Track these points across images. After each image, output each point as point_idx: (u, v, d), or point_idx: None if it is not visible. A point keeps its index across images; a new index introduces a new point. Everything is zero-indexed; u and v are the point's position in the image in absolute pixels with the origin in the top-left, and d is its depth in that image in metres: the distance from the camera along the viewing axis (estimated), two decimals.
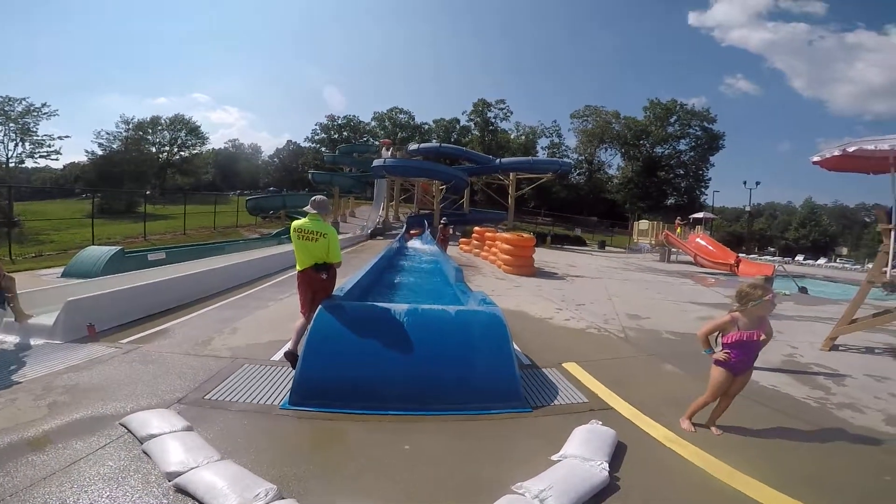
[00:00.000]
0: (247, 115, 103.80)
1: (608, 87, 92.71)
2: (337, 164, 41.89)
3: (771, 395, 4.01)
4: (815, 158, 6.06)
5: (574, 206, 52.92)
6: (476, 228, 18.21)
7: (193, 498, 2.18)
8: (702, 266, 17.67)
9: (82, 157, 47.14)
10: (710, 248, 18.97)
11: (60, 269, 10.00)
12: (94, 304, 5.48)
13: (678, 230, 21.96)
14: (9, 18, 71.85)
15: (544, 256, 17.91)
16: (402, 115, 63.89)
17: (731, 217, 55.94)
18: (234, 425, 3.03)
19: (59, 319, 5.01)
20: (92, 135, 52.38)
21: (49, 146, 39.05)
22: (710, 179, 56.77)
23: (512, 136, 58.58)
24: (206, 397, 3.46)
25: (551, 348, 5.13)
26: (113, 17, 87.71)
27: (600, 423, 2.97)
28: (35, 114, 37.92)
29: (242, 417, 3.15)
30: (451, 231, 19.03)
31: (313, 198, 4.29)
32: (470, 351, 3.54)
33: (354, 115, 65.34)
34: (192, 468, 2.33)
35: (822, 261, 33.57)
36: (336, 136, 62.41)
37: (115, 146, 45.37)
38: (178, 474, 2.30)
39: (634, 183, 54.63)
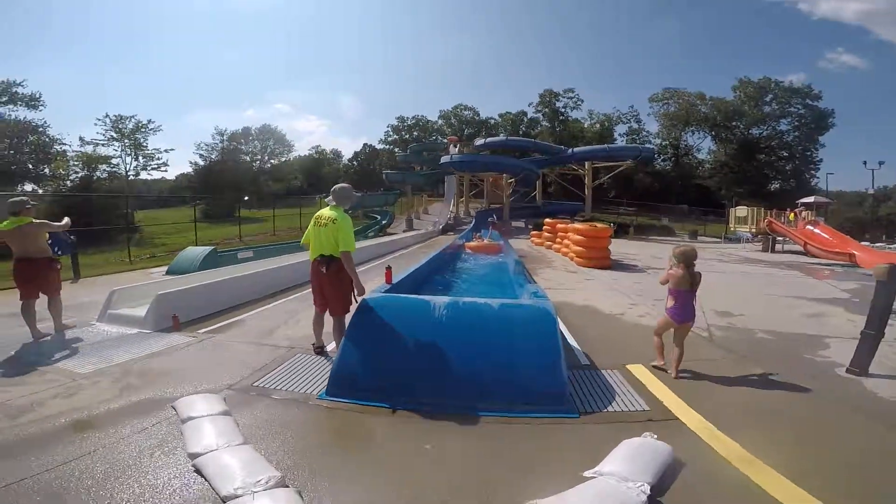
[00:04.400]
0: (326, 122, 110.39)
1: (686, 70, 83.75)
2: (409, 163, 42.93)
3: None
4: None
5: (660, 194, 48.72)
6: (547, 220, 17.46)
7: (204, 478, 2.26)
8: (814, 256, 15.22)
9: (188, 168, 53.54)
10: (825, 235, 16.27)
11: (166, 268, 11.35)
12: (180, 297, 6.02)
13: (791, 217, 19.19)
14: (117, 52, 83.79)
15: (625, 248, 16.69)
16: (466, 112, 63.70)
17: (852, 202, 47.92)
18: (270, 412, 3.11)
19: (150, 311, 5.57)
20: (193, 146, 59.19)
21: (158, 159, 43.97)
22: (820, 161, 49.57)
23: (585, 125, 55.47)
24: (255, 384, 3.60)
25: (617, 348, 4.64)
26: (200, 44, 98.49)
27: (654, 435, 2.53)
28: (143, 130, 43.02)
29: (279, 405, 3.23)
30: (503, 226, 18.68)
31: (333, 187, 4.14)
32: (511, 348, 3.26)
33: (422, 115, 66.40)
34: (211, 450, 2.43)
35: None
36: (407, 136, 63.96)
37: (213, 156, 50.79)
38: (199, 455, 2.41)
39: (729, 167, 49.08)
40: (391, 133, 66.97)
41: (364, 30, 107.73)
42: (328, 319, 4.18)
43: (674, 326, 3.85)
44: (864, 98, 72.66)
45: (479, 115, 63.52)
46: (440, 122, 64.75)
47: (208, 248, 11.54)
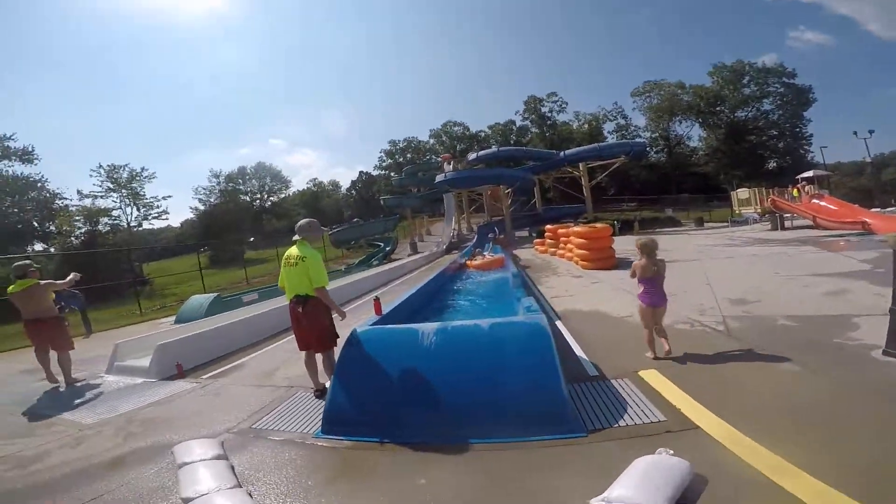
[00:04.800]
0: (321, 153, 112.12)
1: (661, 60, 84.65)
2: (405, 186, 43.13)
3: None
4: None
5: (659, 186, 48.62)
6: (547, 227, 17.23)
7: None
8: (825, 229, 14.84)
9: (189, 214, 54.16)
10: (833, 207, 15.92)
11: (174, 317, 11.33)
12: (181, 346, 6.11)
13: (795, 193, 18.84)
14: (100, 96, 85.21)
15: (631, 245, 16.28)
16: (456, 128, 64.46)
17: (852, 171, 47.46)
18: (266, 454, 3.09)
19: (153, 361, 5.70)
20: (191, 191, 60.25)
21: (157, 207, 43.85)
22: (811, 136, 50.00)
23: (574, 127, 55.82)
24: (254, 426, 3.59)
25: (627, 353, 4.39)
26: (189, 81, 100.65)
27: (670, 452, 2.29)
28: (138, 178, 43.09)
29: (276, 446, 3.20)
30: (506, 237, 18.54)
31: (299, 223, 4.09)
32: (504, 369, 3.09)
33: (414, 136, 67.22)
34: (202, 494, 2.45)
35: None
36: (400, 158, 64.68)
37: (212, 199, 51.19)
38: (191, 500, 2.43)
39: (723, 151, 49.25)
40: (385, 158, 67.77)
41: (350, 57, 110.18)
42: (320, 358, 4.06)
43: (652, 311, 4.14)
44: (837, 70, 73.01)
45: (469, 129, 64.41)
46: (432, 140, 65.60)
47: (213, 295, 11.60)
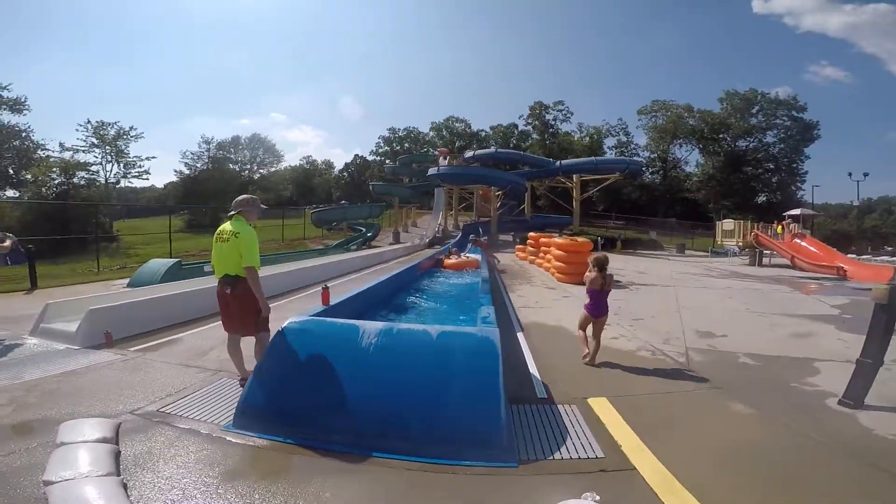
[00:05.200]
0: (321, 133, 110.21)
1: (674, 82, 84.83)
2: (397, 175, 42.62)
3: None
4: None
5: (649, 207, 48.86)
6: (531, 234, 17.09)
7: None
8: (802, 269, 14.99)
9: (174, 177, 52.81)
10: (813, 248, 16.09)
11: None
12: (115, 313, 5.63)
13: (779, 230, 19.03)
14: (113, 54, 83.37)
15: (611, 263, 16.33)
16: (458, 124, 63.88)
17: (837, 214, 48.40)
18: (164, 441, 2.80)
19: (80, 327, 5.20)
20: (178, 154, 58.74)
21: (139, 167, 43.80)
22: (805, 173, 49.93)
23: (575, 138, 55.79)
24: (163, 409, 3.29)
25: (581, 375, 4.18)
26: (197, 50, 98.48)
27: (596, 498, 2.05)
28: (125, 137, 42.97)
29: (178, 434, 2.91)
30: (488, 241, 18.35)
31: (236, 198, 3.78)
32: (445, 382, 2.79)
33: (414, 127, 66.49)
34: (66, 479, 2.23)
35: None
36: (398, 147, 63.93)
37: (199, 165, 50.21)
38: (51, 483, 2.21)
39: (717, 180, 49.35)
40: (382, 144, 66.89)
41: (362, 38, 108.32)
42: (248, 345, 3.74)
43: (591, 321, 4.49)
44: (848, 110, 73.93)
45: (470, 127, 63.85)
46: (432, 133, 64.86)
47: (172, 261, 11.02)
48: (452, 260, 12.63)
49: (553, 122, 56.80)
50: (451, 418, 2.69)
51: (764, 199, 49.77)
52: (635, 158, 43.34)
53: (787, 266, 16.22)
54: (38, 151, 35.40)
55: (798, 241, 17.03)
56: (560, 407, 3.37)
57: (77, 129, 41.64)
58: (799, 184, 50.00)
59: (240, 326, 3.64)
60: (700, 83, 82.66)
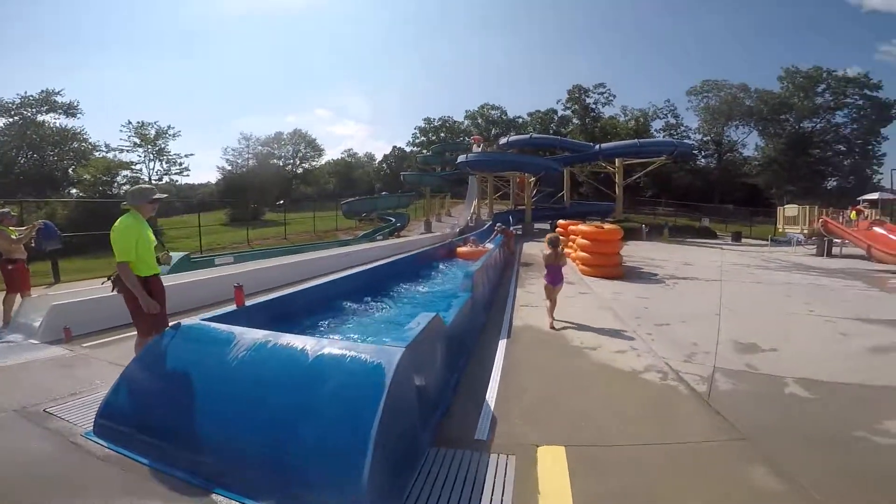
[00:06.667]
0: (364, 126, 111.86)
1: (727, 63, 77.96)
2: (430, 165, 42.10)
3: None
4: None
5: (703, 193, 45.23)
6: (560, 222, 15.84)
7: None
8: (881, 262, 12.81)
9: (223, 174, 55.26)
10: (894, 237, 13.74)
11: None
12: (79, 308, 5.62)
13: (853, 215, 16.62)
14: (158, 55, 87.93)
15: (652, 252, 14.90)
16: (494, 111, 62.20)
17: None
18: (16, 444, 2.67)
19: (43, 322, 5.28)
20: (220, 151, 62.51)
21: (179, 164, 46.60)
22: (883, 156, 44.35)
23: (620, 121, 52.52)
24: (47, 409, 3.15)
25: (548, 408, 3.19)
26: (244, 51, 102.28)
27: None
28: (164, 135, 45.73)
29: (37, 437, 2.77)
30: (513, 232, 17.37)
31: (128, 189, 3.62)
32: (309, 414, 2.23)
33: (449, 116, 65.47)
34: None
35: None
36: (434, 137, 63.25)
37: (239, 161, 52.19)
38: None
39: (779, 164, 44.86)
40: (418, 135, 66.60)
41: (400, 26, 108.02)
42: None
43: (551, 289, 5.58)
44: None
45: (506, 114, 62.11)
46: (467, 122, 63.73)
47: (181, 254, 10.97)
48: (466, 248, 12.32)
49: (594, 106, 53.86)
50: (306, 461, 2.09)
51: (835, 183, 45.04)
52: (685, 141, 40.01)
53: (861, 257, 13.97)
54: (95, 153, 38.30)
55: (877, 228, 14.63)
56: (493, 457, 2.49)
57: (121, 130, 44.82)
58: (875, 167, 44.75)
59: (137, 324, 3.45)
60: (756, 63, 75.84)
